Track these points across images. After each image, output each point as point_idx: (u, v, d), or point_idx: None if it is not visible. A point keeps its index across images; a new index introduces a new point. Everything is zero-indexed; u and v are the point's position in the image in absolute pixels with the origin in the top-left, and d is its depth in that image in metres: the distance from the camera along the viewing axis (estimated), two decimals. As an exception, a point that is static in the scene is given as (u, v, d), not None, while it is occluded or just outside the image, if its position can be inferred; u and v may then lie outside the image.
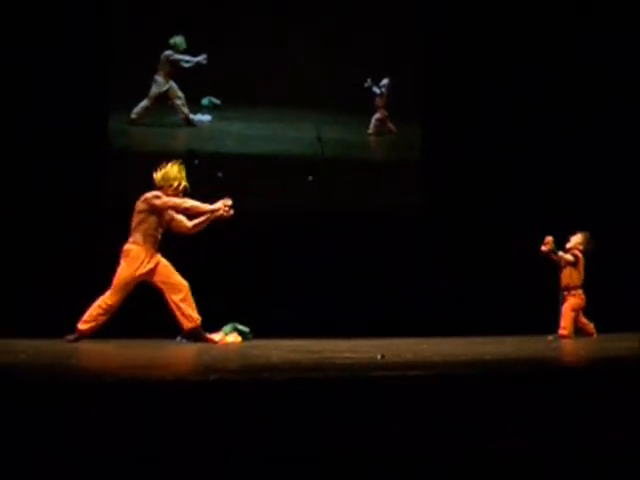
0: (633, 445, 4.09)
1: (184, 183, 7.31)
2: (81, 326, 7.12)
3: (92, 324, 7.10)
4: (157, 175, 7.30)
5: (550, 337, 8.09)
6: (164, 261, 7.32)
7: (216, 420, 3.68)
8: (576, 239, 8.43)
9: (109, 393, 3.70)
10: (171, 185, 7.27)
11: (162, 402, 3.68)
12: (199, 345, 7.09)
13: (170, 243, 7.42)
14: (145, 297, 7.62)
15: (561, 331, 8.22)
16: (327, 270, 9.19)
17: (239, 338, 7.68)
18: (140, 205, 7.25)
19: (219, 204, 7.37)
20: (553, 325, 8.29)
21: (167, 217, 7.38)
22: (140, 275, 7.20)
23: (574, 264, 8.36)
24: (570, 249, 8.40)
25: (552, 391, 4.24)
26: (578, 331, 8.41)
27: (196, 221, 7.49)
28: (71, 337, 7.10)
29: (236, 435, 3.68)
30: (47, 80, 8.87)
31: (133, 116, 9.73)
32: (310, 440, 3.74)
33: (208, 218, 7.43)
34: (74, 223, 8.71)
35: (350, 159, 10.27)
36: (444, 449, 3.92)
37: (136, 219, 7.25)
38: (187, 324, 7.22)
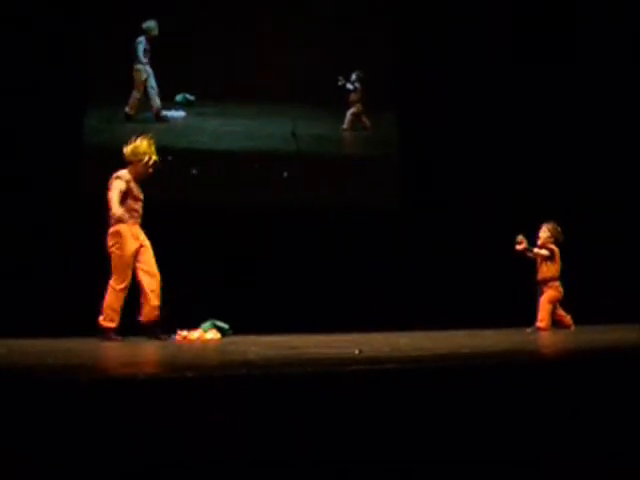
0: (611, 434, 4.11)
1: (154, 157, 7.28)
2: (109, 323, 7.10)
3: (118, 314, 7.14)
4: (127, 150, 7.26)
5: (528, 330, 8.12)
6: (148, 243, 7.29)
7: (194, 417, 3.67)
8: (544, 234, 8.42)
9: (83, 392, 3.68)
10: (141, 160, 7.24)
11: (136, 400, 3.66)
12: (177, 344, 7.07)
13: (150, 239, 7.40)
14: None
15: (538, 324, 8.25)
16: (305, 266, 9.18)
17: (218, 335, 7.67)
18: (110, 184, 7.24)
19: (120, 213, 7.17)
20: (532, 318, 8.32)
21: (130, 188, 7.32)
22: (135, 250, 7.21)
23: (550, 258, 8.39)
24: (544, 244, 8.40)
25: (529, 383, 4.25)
26: (555, 323, 8.43)
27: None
28: (116, 337, 7.10)
29: (214, 432, 3.67)
30: (21, 78, 8.80)
31: (128, 111, 9.70)
32: (289, 435, 3.74)
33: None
34: (49, 221, 8.65)
35: (326, 154, 10.19)
36: (422, 442, 3.92)
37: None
38: (149, 316, 7.18)
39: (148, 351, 6.02)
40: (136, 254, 7.21)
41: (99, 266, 7.18)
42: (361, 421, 3.87)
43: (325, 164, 10.14)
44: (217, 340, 7.46)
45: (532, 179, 9.72)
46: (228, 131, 10.04)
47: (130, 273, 7.18)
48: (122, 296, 7.14)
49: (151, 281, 7.22)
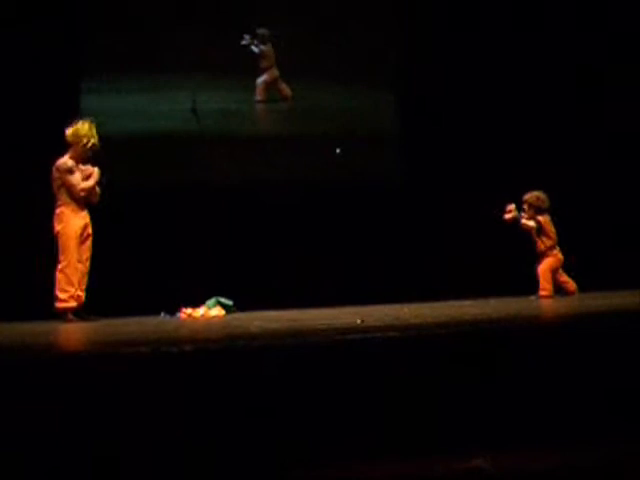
0: (616, 399, 4.13)
1: (93, 141, 7.26)
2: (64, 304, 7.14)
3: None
4: (68, 132, 7.26)
5: (532, 297, 8.12)
6: (90, 230, 7.29)
7: (195, 389, 3.69)
8: (529, 208, 8.33)
9: (88, 367, 3.71)
10: (79, 142, 7.25)
11: (141, 374, 3.69)
12: (180, 320, 7.11)
13: (151, 222, 7.40)
14: (125, 274, 7.62)
15: (541, 292, 8.23)
16: (309, 241, 9.17)
17: (222, 312, 7.70)
18: (55, 174, 7.24)
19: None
20: (535, 286, 8.32)
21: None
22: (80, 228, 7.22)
23: (539, 230, 8.35)
24: (530, 217, 8.32)
25: (532, 349, 4.27)
26: (559, 290, 8.41)
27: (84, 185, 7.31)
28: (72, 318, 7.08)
29: (215, 403, 3.69)
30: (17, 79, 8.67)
31: None
32: (291, 404, 3.76)
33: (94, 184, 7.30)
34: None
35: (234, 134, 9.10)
36: (422, 409, 3.94)
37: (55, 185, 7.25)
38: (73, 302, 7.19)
39: (154, 328, 6.05)
40: (81, 233, 7.22)
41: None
42: (365, 388, 3.89)
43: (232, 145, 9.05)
44: (221, 317, 7.49)
45: (534, 148, 9.65)
46: (119, 109, 8.90)
47: (76, 253, 7.14)
48: (74, 273, 7.13)
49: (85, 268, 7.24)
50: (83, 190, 7.22)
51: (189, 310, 7.61)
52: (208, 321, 6.93)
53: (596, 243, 9.08)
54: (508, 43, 9.74)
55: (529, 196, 8.29)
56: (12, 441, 3.42)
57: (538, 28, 9.79)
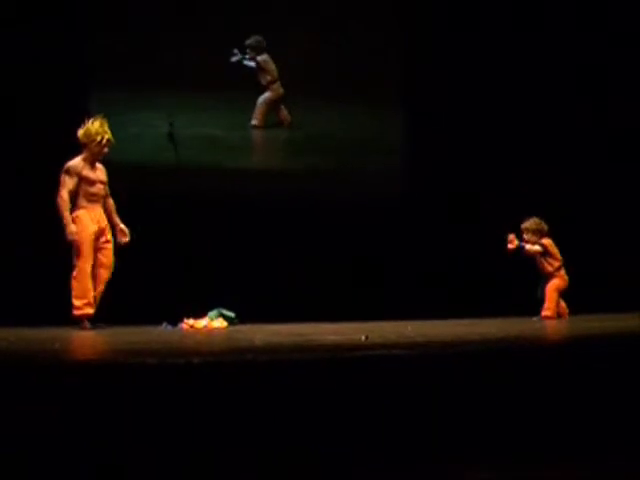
0: (620, 420, 4.12)
1: (107, 136, 7.21)
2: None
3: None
4: (79, 133, 7.22)
5: (534, 318, 8.11)
6: (110, 236, 7.29)
7: (200, 403, 3.68)
8: (527, 236, 8.32)
9: (92, 378, 3.70)
10: (93, 140, 7.18)
11: (147, 385, 3.68)
12: (183, 331, 7.09)
13: (152, 229, 7.39)
14: (129, 284, 7.61)
15: (544, 312, 8.24)
16: (311, 255, 9.17)
17: (225, 323, 7.69)
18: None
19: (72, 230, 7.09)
20: (536, 308, 8.32)
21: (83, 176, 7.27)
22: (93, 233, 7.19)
23: (544, 253, 8.37)
24: (533, 242, 8.33)
25: (537, 370, 4.26)
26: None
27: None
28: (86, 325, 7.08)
29: (221, 417, 3.68)
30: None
31: None
32: (296, 420, 3.75)
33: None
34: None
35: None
36: (429, 427, 3.93)
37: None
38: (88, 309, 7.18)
39: (156, 339, 6.04)
40: (97, 238, 7.21)
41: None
42: (367, 406, 3.88)
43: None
44: (223, 328, 7.48)
45: (537, 168, 9.66)
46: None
47: (90, 258, 7.14)
48: (87, 280, 7.12)
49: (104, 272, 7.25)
50: (61, 199, 7.09)
51: (191, 321, 7.59)
52: (211, 333, 6.91)
53: (591, 266, 9.08)
54: (514, 61, 9.76)
55: (529, 223, 8.34)
56: (14, 445, 3.41)
57: (540, 30, 9.78)
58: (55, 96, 8.35)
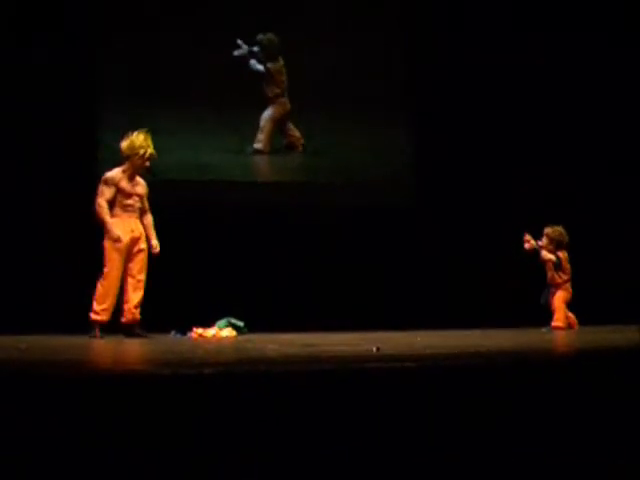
0: (630, 434, 4.09)
1: (150, 150, 7.25)
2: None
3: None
4: (123, 145, 7.25)
5: (544, 329, 8.10)
6: (145, 245, 7.30)
7: (212, 414, 3.67)
8: (545, 242, 8.31)
9: (102, 387, 3.68)
10: (137, 153, 7.21)
11: (157, 396, 3.66)
12: (193, 340, 7.08)
13: (161, 239, 7.39)
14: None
15: (555, 323, 8.23)
16: (321, 265, 9.16)
17: (234, 332, 7.69)
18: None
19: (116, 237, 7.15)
20: (545, 318, 8.30)
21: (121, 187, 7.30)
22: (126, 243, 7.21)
23: (557, 265, 8.35)
24: (550, 251, 8.31)
25: (549, 381, 4.24)
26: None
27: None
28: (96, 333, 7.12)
29: (233, 428, 3.67)
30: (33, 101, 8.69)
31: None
32: (307, 432, 3.74)
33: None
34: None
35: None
36: (440, 441, 3.91)
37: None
38: (127, 316, 7.25)
39: (166, 348, 6.03)
40: (129, 247, 7.21)
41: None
42: (379, 418, 3.86)
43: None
44: (232, 338, 7.47)
45: (546, 178, 9.64)
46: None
47: (120, 266, 7.16)
48: (112, 287, 7.15)
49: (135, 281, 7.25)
50: (100, 206, 7.18)
51: (200, 330, 7.59)
52: (221, 342, 6.90)
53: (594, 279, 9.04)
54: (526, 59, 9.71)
55: (552, 230, 8.29)
56: (21, 454, 3.40)
57: (540, 30, 9.76)
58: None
